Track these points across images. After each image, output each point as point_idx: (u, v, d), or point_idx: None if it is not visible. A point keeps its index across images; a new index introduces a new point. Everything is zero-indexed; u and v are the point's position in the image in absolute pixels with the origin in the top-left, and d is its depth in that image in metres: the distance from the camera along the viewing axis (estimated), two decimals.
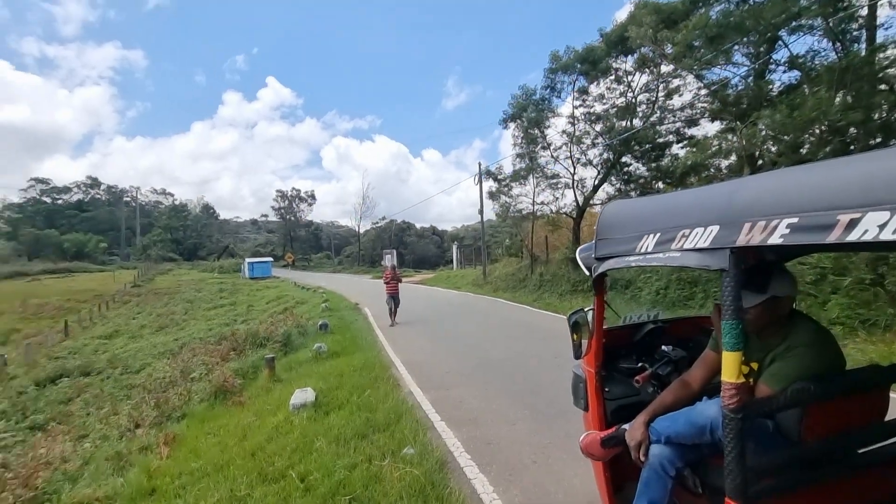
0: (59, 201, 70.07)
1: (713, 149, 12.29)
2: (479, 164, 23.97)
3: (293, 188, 77.87)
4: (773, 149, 10.83)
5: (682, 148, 16.21)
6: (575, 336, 2.23)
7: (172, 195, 79.67)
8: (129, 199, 70.57)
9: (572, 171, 18.76)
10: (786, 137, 9.72)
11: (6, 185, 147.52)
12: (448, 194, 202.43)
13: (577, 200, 18.83)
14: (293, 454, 4.08)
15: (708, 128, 15.42)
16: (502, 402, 5.31)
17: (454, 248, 44.49)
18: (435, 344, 9.25)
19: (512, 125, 19.49)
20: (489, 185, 22.13)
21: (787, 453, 1.58)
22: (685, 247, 1.45)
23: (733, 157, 12.78)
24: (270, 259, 47.41)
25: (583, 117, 18.13)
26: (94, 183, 74.62)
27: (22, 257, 50.70)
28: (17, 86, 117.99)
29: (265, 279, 37.95)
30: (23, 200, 66.16)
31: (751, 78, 12.30)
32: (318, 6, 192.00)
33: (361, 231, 61.63)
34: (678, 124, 16.37)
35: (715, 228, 1.35)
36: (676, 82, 15.50)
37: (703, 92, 14.43)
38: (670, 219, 1.58)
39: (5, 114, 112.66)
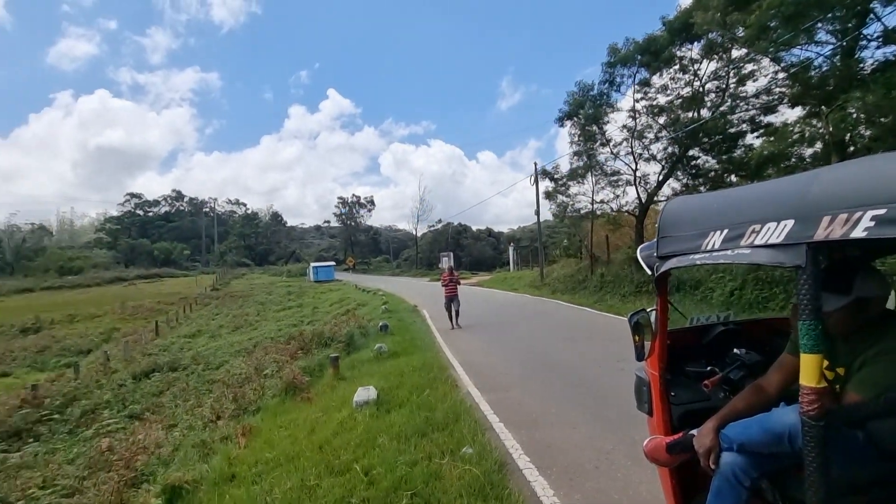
0: (150, 213, 77.73)
1: (794, 137, 11.27)
2: (535, 164, 23.63)
3: (353, 194, 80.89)
4: (867, 133, 9.74)
5: (757, 137, 15.00)
6: (637, 337, 2.16)
7: (245, 205, 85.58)
8: (208, 209, 76.71)
9: (634, 168, 18.02)
10: (883, 120, 8.71)
11: (107, 200, 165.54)
12: (504, 196, 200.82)
13: (639, 197, 18.03)
14: (357, 449, 4.26)
15: (787, 114, 14.18)
16: (562, 405, 5.21)
17: (510, 249, 44.06)
18: (493, 345, 9.23)
19: (568, 123, 19.04)
20: (545, 184, 21.81)
21: (881, 467, 1.44)
22: (756, 243, 1.38)
23: (818, 145, 11.65)
24: (333, 263, 49.50)
25: (645, 110, 17.34)
26: (179, 196, 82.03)
27: (120, 264, 56.86)
28: (114, 111, 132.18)
29: (328, 282, 39.68)
30: (120, 214, 74.27)
31: (837, 57, 11.13)
32: (373, 18, 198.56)
33: (418, 234, 62.82)
34: (752, 112, 15.17)
35: (789, 223, 1.28)
36: (749, 67, 14.37)
37: (782, 76, 13.26)
38: (739, 214, 1.51)
39: (106, 137, 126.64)
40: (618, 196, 18.91)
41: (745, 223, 1.44)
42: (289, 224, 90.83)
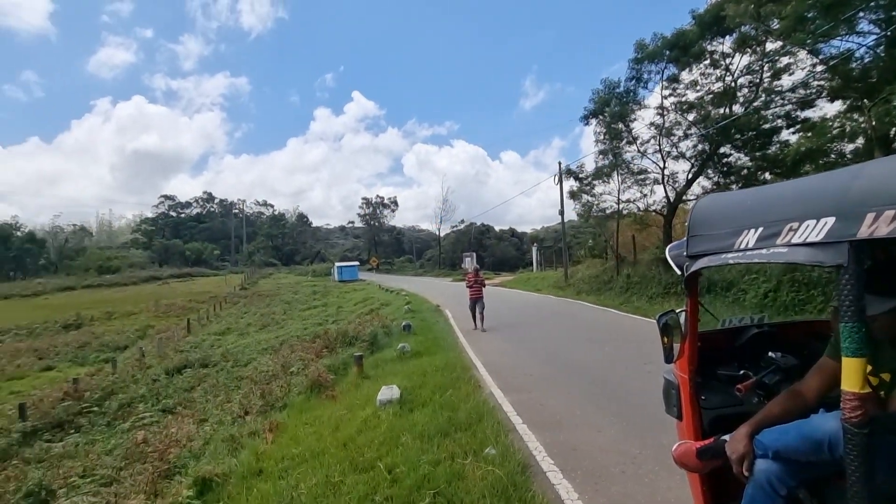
0: (182, 215, 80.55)
1: (834, 132, 10.77)
2: (560, 164, 23.33)
3: (377, 195, 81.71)
4: None
5: (793, 133, 14.41)
6: (665, 339, 2.10)
7: (272, 206, 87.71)
8: (237, 210, 78.89)
9: (662, 166, 17.59)
10: None
11: (142, 202, 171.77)
12: (527, 196, 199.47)
13: (667, 196, 17.59)
14: (381, 447, 4.30)
15: (826, 109, 13.56)
16: (587, 408, 5.12)
17: (534, 249, 43.68)
18: (516, 346, 9.17)
19: (594, 121, 18.73)
20: (570, 184, 21.52)
21: None
22: (793, 241, 1.33)
23: (860, 141, 11.10)
24: (357, 263, 50.12)
25: (673, 107, 16.89)
26: (209, 198, 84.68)
27: (154, 264, 59.12)
28: (149, 117, 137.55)
29: (352, 282, 40.22)
30: (155, 215, 77.33)
31: (881, 48, 10.59)
32: (397, 20, 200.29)
33: (441, 235, 62.98)
34: (788, 107, 14.57)
35: (830, 220, 1.23)
36: (785, 60, 13.81)
37: (820, 68, 12.69)
38: (775, 211, 1.46)
39: (142, 142, 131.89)
40: (645, 195, 18.53)
41: (782, 221, 1.39)
42: (314, 225, 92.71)
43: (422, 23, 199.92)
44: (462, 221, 62.70)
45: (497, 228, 70.05)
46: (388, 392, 5.70)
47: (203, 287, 41.06)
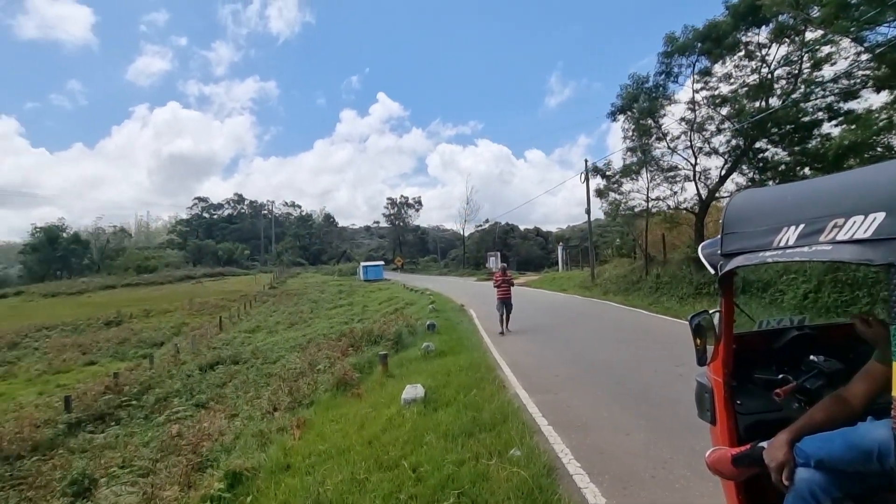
0: (215, 216, 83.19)
1: (880, 124, 10.18)
2: (586, 161, 22.93)
3: (401, 195, 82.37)
4: None
5: (836, 126, 13.70)
6: (698, 341, 2.02)
7: (300, 207, 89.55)
8: (266, 212, 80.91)
9: (693, 162, 17.02)
10: None
11: (177, 204, 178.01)
12: (552, 194, 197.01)
13: (699, 194, 17.03)
14: (405, 445, 4.31)
15: (872, 99, 12.83)
16: (615, 410, 5.01)
17: (559, 249, 43.06)
18: (541, 346, 9.06)
19: (621, 117, 18.31)
20: (596, 182, 21.12)
21: None
22: (838, 238, 1.26)
23: None
24: (382, 262, 50.59)
25: (705, 101, 16.32)
26: (240, 199, 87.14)
27: (189, 263, 61.29)
28: (184, 122, 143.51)
29: (378, 281, 40.63)
30: (189, 216, 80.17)
31: None
32: (421, 21, 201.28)
33: (466, 234, 62.94)
34: (830, 98, 13.87)
35: (879, 216, 1.16)
36: (826, 49, 13.14)
37: (865, 57, 12.03)
38: (818, 207, 1.38)
39: (177, 146, 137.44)
40: (675, 193, 17.95)
41: (826, 217, 1.32)
42: (340, 225, 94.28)
43: (446, 23, 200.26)
44: (486, 221, 62.49)
45: (522, 228, 69.51)
46: (413, 391, 5.71)
47: (234, 286, 42.31)
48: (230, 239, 73.65)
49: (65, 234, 58.17)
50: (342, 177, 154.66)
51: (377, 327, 12.78)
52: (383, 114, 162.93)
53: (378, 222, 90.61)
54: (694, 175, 17.05)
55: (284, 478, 4.27)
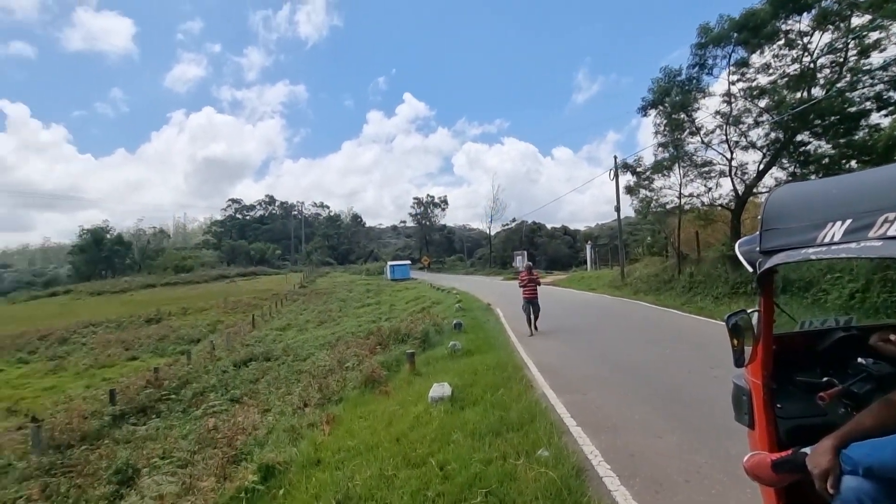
0: (247, 217, 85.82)
1: None
2: (615, 158, 22.40)
3: (428, 195, 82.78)
4: None
5: (885, 116, 12.94)
6: (736, 341, 1.94)
7: (328, 207, 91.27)
8: (296, 212, 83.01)
9: (729, 157, 16.41)
10: None
11: (212, 206, 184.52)
12: (580, 192, 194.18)
13: (735, 190, 16.42)
14: (432, 443, 4.33)
15: None
16: (646, 412, 4.89)
17: (588, 247, 42.30)
18: (569, 346, 8.93)
19: (652, 112, 17.80)
20: (626, 179, 20.58)
21: None
22: (890, 234, 1.19)
23: None
24: (409, 262, 50.95)
25: (742, 94, 15.70)
26: (271, 200, 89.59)
27: (223, 263, 63.47)
28: (218, 126, 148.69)
29: (404, 281, 40.95)
30: (223, 218, 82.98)
31: None
32: (446, 20, 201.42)
33: (492, 233, 62.65)
34: (879, 87, 13.09)
35: None
36: (874, 36, 12.43)
37: None
38: (866, 201, 1.31)
39: (211, 150, 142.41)
40: (710, 189, 17.35)
41: (876, 211, 1.25)
42: (367, 225, 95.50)
43: (472, 23, 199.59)
44: (513, 220, 61.92)
45: (549, 226, 68.71)
46: (440, 389, 5.73)
47: (266, 285, 43.52)
48: (262, 239, 75.82)
49: (109, 236, 61.32)
50: (369, 177, 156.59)
51: (404, 326, 12.88)
52: (409, 114, 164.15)
53: (405, 222, 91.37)
54: (730, 170, 16.44)
55: (315, 472, 4.36)
